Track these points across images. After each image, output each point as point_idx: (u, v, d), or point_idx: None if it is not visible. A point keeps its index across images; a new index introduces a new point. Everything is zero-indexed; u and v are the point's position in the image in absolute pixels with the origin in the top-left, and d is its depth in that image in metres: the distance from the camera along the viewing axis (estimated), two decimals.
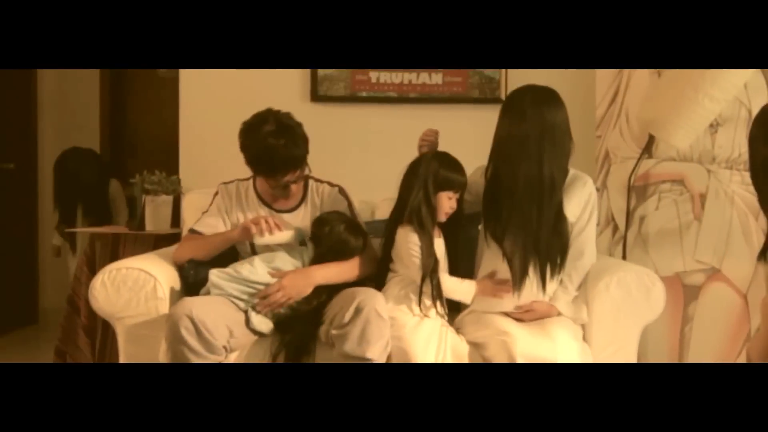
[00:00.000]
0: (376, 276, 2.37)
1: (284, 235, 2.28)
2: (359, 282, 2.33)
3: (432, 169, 2.25)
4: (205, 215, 2.46)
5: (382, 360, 2.11)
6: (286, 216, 2.42)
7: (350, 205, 2.48)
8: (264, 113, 2.33)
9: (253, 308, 2.22)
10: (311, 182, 2.49)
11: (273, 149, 2.26)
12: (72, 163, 4.04)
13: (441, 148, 3.16)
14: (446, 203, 2.25)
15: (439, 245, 2.29)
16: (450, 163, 2.28)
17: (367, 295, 2.13)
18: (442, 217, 2.27)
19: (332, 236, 2.30)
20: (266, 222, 2.24)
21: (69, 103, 4.97)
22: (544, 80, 2.42)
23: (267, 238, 2.24)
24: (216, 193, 2.49)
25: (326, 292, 2.26)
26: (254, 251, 2.36)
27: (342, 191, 2.49)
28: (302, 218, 2.43)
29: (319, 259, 2.31)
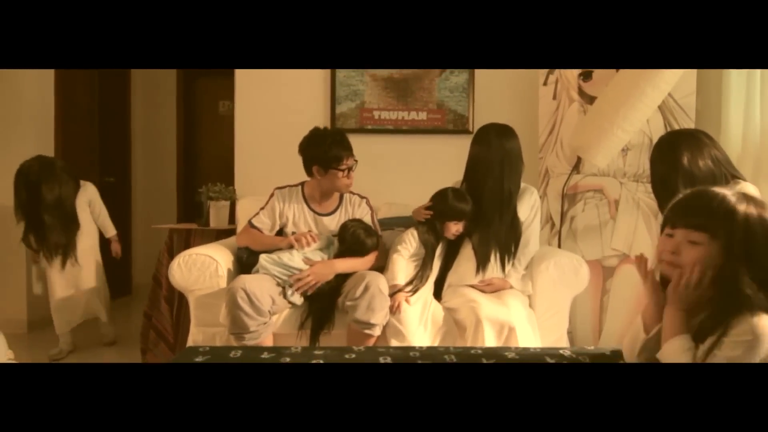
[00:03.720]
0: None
1: (316, 245, 2.28)
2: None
3: (449, 202, 2.21)
4: (262, 212, 2.40)
5: (383, 323, 2.11)
6: (325, 218, 2.38)
7: (372, 212, 2.44)
8: (312, 129, 2.33)
9: (290, 285, 2.21)
10: (346, 193, 2.44)
11: (335, 142, 2.26)
12: (33, 175, 2.93)
13: (425, 168, 3.20)
14: (453, 228, 2.23)
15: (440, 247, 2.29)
16: (460, 198, 2.23)
17: (373, 276, 2.13)
18: (451, 237, 2.25)
19: (353, 238, 2.28)
20: (305, 238, 2.24)
21: (153, 132, 4.97)
22: (503, 117, 2.42)
23: (305, 249, 2.25)
24: (272, 195, 2.42)
25: (343, 275, 2.25)
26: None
27: (368, 202, 2.45)
28: (338, 221, 2.38)
29: (341, 254, 2.29)
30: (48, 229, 2.97)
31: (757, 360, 1.09)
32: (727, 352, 1.10)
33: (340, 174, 2.29)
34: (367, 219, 2.39)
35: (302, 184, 2.42)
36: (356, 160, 2.33)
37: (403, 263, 2.22)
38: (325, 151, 2.26)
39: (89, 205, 3.18)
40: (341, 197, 2.42)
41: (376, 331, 2.11)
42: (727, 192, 1.19)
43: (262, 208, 2.41)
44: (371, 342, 2.12)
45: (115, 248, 3.32)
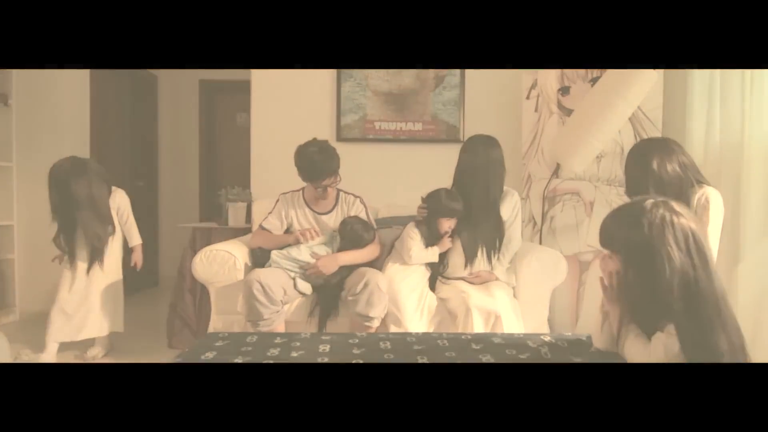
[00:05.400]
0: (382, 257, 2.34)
1: (319, 239, 2.29)
2: (369, 263, 2.30)
3: (442, 202, 2.19)
4: (270, 215, 2.41)
5: (381, 316, 2.10)
6: (323, 217, 2.38)
7: (366, 209, 2.43)
8: (310, 140, 2.31)
9: (300, 277, 2.21)
10: (341, 193, 2.43)
11: (315, 162, 2.23)
12: (63, 173, 2.56)
13: (421, 173, 3.19)
14: (445, 224, 2.21)
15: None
16: (452, 197, 2.21)
17: (372, 274, 2.12)
18: (443, 233, 2.23)
19: (351, 233, 2.27)
20: (309, 232, 2.25)
21: (178, 141, 4.97)
22: (491, 128, 2.41)
23: (309, 243, 2.25)
24: (278, 200, 2.44)
25: (347, 270, 2.24)
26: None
27: (362, 201, 2.45)
28: (335, 218, 2.38)
29: (343, 248, 2.28)
30: (79, 230, 2.63)
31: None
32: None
33: (315, 189, 2.30)
34: (363, 215, 2.39)
35: (303, 188, 2.43)
36: (339, 177, 2.30)
37: (420, 249, 2.21)
38: (305, 168, 2.26)
39: (116, 211, 2.78)
40: (337, 197, 2.42)
41: (375, 323, 2.10)
42: (624, 210, 1.27)
43: (270, 213, 2.42)
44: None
45: (136, 258, 2.89)
